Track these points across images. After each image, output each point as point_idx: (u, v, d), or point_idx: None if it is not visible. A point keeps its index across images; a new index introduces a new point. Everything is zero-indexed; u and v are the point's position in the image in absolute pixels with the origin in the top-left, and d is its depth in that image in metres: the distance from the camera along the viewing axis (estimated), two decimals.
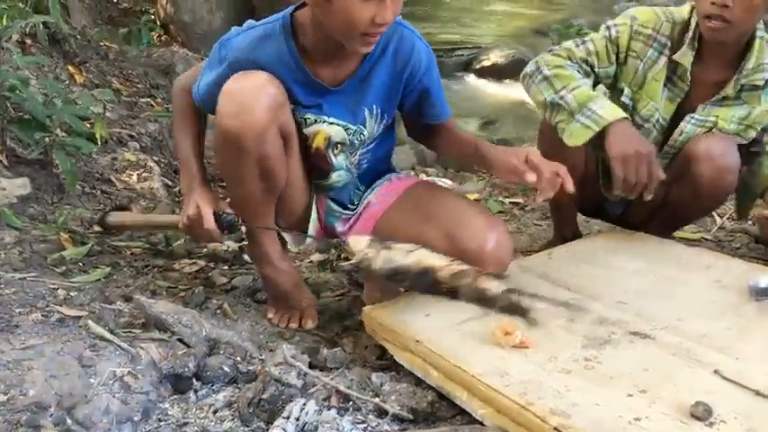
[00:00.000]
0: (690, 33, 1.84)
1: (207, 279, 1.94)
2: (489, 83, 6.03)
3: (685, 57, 1.84)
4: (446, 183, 3.22)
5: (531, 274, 1.75)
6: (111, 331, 1.48)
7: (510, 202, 2.81)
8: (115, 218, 2.12)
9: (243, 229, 1.72)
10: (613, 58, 1.88)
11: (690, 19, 1.86)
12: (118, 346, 1.42)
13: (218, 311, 1.73)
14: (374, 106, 1.63)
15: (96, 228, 2.15)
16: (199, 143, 1.70)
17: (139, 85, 4.42)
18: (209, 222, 1.60)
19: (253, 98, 1.46)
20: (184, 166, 1.69)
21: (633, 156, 1.68)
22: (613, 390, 1.27)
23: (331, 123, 1.62)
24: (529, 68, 1.88)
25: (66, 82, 3.48)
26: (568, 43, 1.90)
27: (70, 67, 3.83)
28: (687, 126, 1.89)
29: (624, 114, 1.74)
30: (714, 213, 2.56)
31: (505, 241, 1.63)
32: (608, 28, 1.89)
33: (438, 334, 1.48)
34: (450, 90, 6.16)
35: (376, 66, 1.58)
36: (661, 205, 2.05)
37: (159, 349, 1.42)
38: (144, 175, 2.89)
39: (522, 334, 1.44)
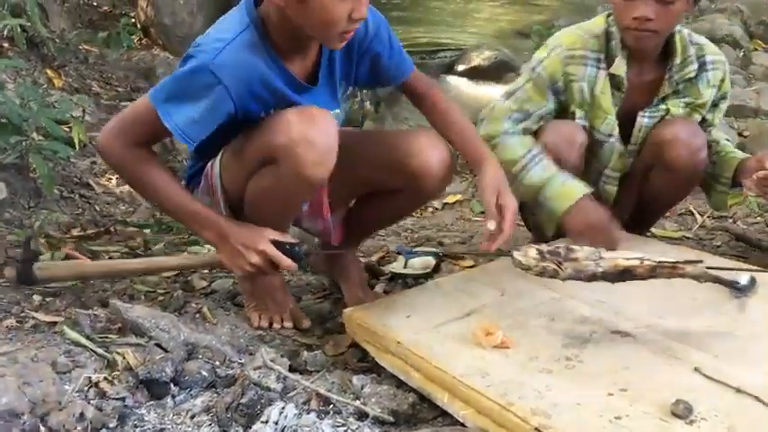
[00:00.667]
0: (617, 43, 1.85)
1: (186, 283, 1.92)
2: (472, 84, 6.03)
3: (620, 68, 1.86)
4: None
5: (513, 275, 1.73)
6: (87, 337, 1.46)
7: None
8: (55, 270, 1.70)
9: None
10: (548, 93, 1.89)
11: (608, 29, 1.87)
12: (93, 351, 1.40)
13: (198, 315, 1.71)
14: (339, 82, 1.63)
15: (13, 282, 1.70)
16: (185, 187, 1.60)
17: (120, 89, 4.39)
18: (287, 262, 1.50)
19: (330, 143, 1.46)
20: (197, 218, 1.52)
21: (586, 231, 1.80)
22: (594, 389, 1.27)
23: None
24: (498, 127, 1.88)
25: (45, 86, 3.44)
26: (500, 105, 1.90)
27: (48, 71, 3.79)
28: (644, 120, 1.91)
29: (574, 194, 1.81)
30: (695, 212, 2.58)
31: (447, 156, 1.65)
32: (533, 69, 1.90)
33: (419, 335, 1.47)
34: None
35: (333, 51, 1.56)
36: (636, 206, 2.06)
37: (136, 354, 1.40)
38: None
39: (503, 334, 1.44)
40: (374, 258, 2.23)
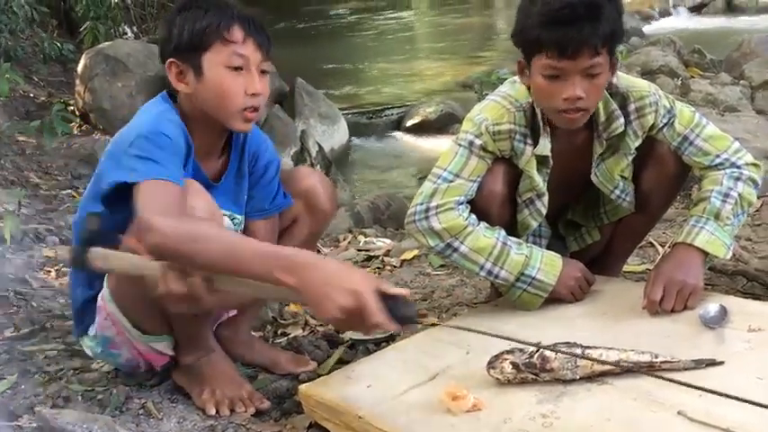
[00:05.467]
0: (539, 120, 1.74)
1: (129, 376, 1.77)
2: (421, 138, 6.05)
3: (546, 148, 1.75)
4: (385, 242, 3.13)
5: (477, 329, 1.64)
6: None
7: None
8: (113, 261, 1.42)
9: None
10: (490, 162, 1.77)
11: (533, 102, 1.75)
12: None
13: (141, 411, 1.56)
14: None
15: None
16: None
17: (60, 177, 4.26)
18: (378, 316, 1.18)
19: (207, 198, 1.50)
20: (266, 259, 1.26)
21: (575, 286, 1.77)
22: None
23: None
24: (433, 242, 1.72)
25: None
26: (443, 187, 1.73)
27: None
28: (599, 177, 1.83)
29: (558, 263, 1.74)
30: (655, 243, 2.52)
31: (327, 179, 1.90)
32: (470, 144, 1.74)
33: (382, 406, 1.36)
34: (383, 149, 6.16)
35: (242, 161, 1.70)
36: (614, 233, 2.00)
37: None
38: (63, 269, 2.71)
39: (473, 396, 1.33)
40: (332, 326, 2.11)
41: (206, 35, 1.53)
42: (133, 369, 1.73)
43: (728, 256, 1.74)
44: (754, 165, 1.79)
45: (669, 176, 1.84)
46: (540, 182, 1.78)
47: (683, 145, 1.78)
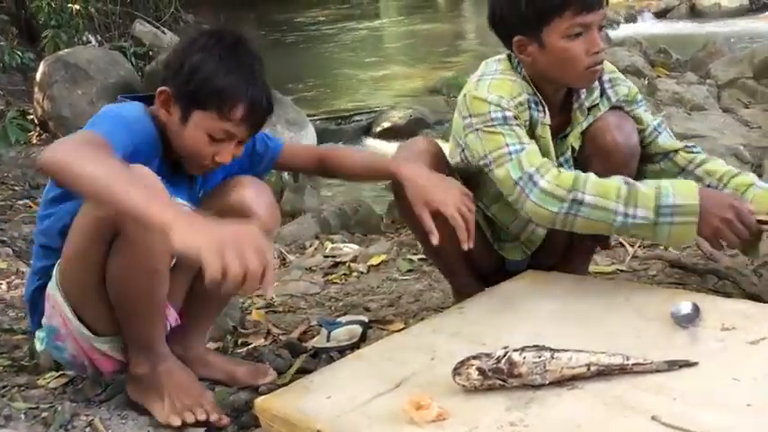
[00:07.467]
0: (533, 90, 1.75)
1: (77, 391, 1.67)
2: (390, 144, 6.00)
3: (547, 117, 1.76)
4: (353, 248, 3.06)
5: (444, 334, 1.58)
6: None
7: (419, 260, 2.66)
8: None
9: None
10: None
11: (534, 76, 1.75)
12: None
13: (88, 430, 1.47)
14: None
15: None
16: None
17: (16, 188, 4.15)
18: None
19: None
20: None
21: (724, 225, 1.55)
22: None
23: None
24: (557, 207, 1.57)
25: None
26: (523, 155, 1.63)
27: None
28: (558, 140, 1.83)
29: (693, 186, 1.57)
30: (625, 243, 2.48)
31: (268, 190, 1.70)
32: (504, 119, 1.67)
33: (342, 418, 1.28)
34: None
35: None
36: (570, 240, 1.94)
37: None
38: (15, 282, 2.61)
39: (438, 405, 1.26)
40: (294, 335, 2.03)
41: (208, 98, 1.50)
42: (79, 369, 1.62)
43: None
44: None
45: (616, 168, 1.76)
46: (551, 148, 1.78)
47: (660, 126, 1.88)
